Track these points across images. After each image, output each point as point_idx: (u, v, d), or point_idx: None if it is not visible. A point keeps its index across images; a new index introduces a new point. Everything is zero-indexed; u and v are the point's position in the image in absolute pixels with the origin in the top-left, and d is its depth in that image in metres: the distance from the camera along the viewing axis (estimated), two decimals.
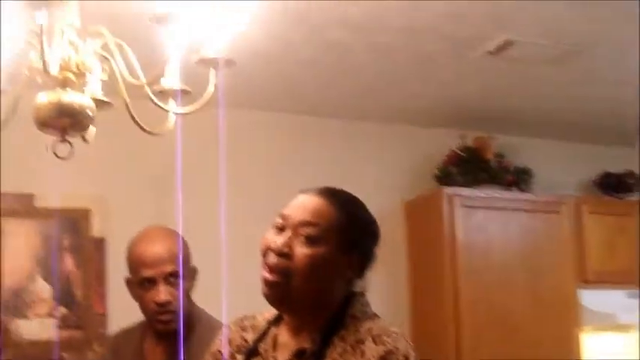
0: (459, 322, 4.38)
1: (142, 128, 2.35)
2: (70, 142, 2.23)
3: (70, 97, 2.15)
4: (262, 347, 2.06)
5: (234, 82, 4.12)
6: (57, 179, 4.09)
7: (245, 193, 4.36)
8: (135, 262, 2.80)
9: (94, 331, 3.99)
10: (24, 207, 4.05)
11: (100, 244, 4.08)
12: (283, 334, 2.04)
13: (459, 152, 4.69)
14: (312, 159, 4.64)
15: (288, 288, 1.93)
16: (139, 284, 2.77)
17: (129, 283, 2.87)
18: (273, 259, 1.93)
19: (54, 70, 2.06)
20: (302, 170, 4.49)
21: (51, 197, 4.09)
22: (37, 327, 3.98)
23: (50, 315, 4.00)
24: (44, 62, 1.97)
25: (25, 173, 4.01)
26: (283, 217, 1.98)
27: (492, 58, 3.92)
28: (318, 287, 1.97)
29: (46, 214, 4.07)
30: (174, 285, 2.74)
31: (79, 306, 4.05)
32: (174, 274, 2.73)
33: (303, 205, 1.99)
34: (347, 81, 4.21)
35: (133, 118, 2.31)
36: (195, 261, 2.91)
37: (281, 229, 1.97)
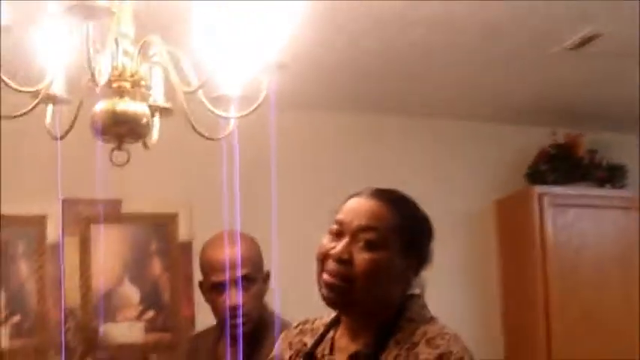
0: (550, 320, 4.32)
1: (201, 135, 2.38)
2: (127, 150, 2.28)
3: (125, 106, 2.19)
4: (319, 351, 2.06)
5: (316, 83, 4.15)
6: (144, 185, 4.18)
7: (331, 194, 4.36)
8: (206, 267, 2.84)
9: (181, 333, 4.04)
10: (112, 212, 4.13)
11: (186, 247, 4.14)
12: (341, 338, 2.04)
13: (550, 150, 4.60)
14: (401, 159, 4.62)
15: (349, 292, 1.92)
16: (211, 288, 2.80)
17: (202, 286, 2.92)
18: (333, 265, 1.93)
19: (103, 79, 2.09)
20: (392, 171, 4.47)
21: (138, 202, 4.17)
22: (125, 330, 4.06)
23: (138, 318, 4.08)
24: (92, 72, 2.00)
25: (113, 179, 4.08)
26: (339, 222, 1.97)
27: (581, 53, 3.83)
28: (380, 291, 1.95)
29: (133, 219, 4.15)
30: (245, 289, 2.76)
31: (166, 309, 4.11)
32: (244, 278, 2.75)
33: (359, 209, 1.97)
34: (433, 79, 4.17)
35: (192, 125, 2.33)
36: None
37: (338, 234, 1.96)
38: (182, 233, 4.19)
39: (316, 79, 4.08)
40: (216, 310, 2.83)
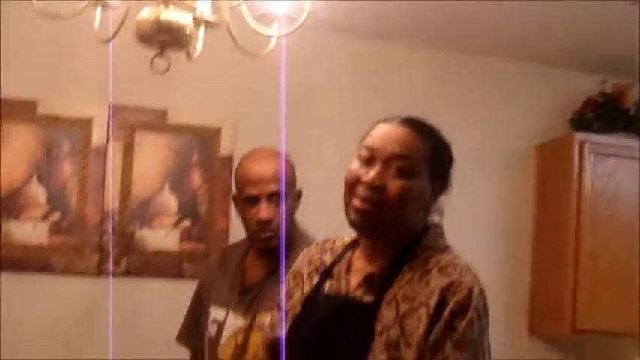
0: (578, 268, 4.34)
1: (243, 51, 2.43)
2: (168, 58, 2.34)
3: (169, 15, 2.25)
4: (337, 270, 2.14)
5: (365, 11, 4.16)
6: (190, 97, 4.26)
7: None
8: (241, 180, 2.94)
9: (215, 245, 4.13)
10: (158, 121, 4.21)
11: (227, 162, 4.21)
12: (358, 259, 2.12)
13: (597, 98, 4.59)
14: (446, 94, 4.63)
15: (378, 218, 2.00)
16: (244, 201, 2.90)
17: (235, 199, 3.03)
18: (365, 191, 1.99)
19: None
20: (435, 105, 4.48)
21: (184, 114, 4.25)
22: (161, 237, 4.16)
23: (175, 227, 4.18)
24: None
25: (160, 89, 4.17)
26: (371, 149, 2.02)
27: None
28: (407, 218, 2.02)
29: (177, 130, 4.23)
30: (277, 204, 2.85)
31: (202, 220, 4.21)
32: (276, 194, 2.85)
33: (391, 137, 2.02)
34: (483, 16, 4.15)
35: (234, 40, 2.39)
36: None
37: (368, 160, 2.01)
38: (224, 148, 4.25)
39: (366, 7, 4.09)
40: (247, 224, 2.93)
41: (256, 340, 2.77)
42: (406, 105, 4.16)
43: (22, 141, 4.08)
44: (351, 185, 2.02)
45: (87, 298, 4.09)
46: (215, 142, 4.27)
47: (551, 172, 4.57)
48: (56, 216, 4.09)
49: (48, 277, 4.07)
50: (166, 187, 4.20)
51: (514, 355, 4.52)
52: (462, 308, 1.90)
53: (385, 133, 2.03)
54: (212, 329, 2.97)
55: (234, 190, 3.07)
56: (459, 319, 1.89)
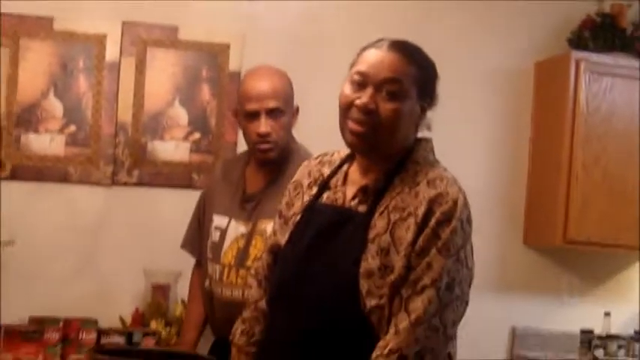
0: (572, 182, 4.47)
1: None
2: None
3: None
4: (334, 181, 2.33)
5: None
6: (199, 14, 4.39)
7: None
8: (243, 96, 3.15)
9: (224, 156, 4.32)
10: (169, 38, 4.36)
11: (235, 77, 4.36)
12: (354, 172, 2.31)
13: (595, 17, 4.69)
14: (445, 17, 4.68)
15: (373, 139, 2.18)
16: (245, 116, 3.11)
17: (236, 114, 3.22)
18: (358, 114, 2.17)
19: None
20: (434, 29, 4.59)
21: (193, 31, 4.39)
22: (172, 148, 4.34)
23: (185, 139, 4.36)
24: None
25: (171, 6, 4.32)
26: (362, 73, 2.20)
27: None
28: (398, 137, 2.20)
29: (188, 46, 4.38)
30: (276, 119, 3.08)
31: (211, 133, 4.38)
32: (276, 110, 3.09)
33: (382, 62, 2.19)
34: None
35: None
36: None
37: (360, 85, 2.19)
38: (232, 63, 4.40)
39: None
40: (248, 136, 3.15)
41: (257, 244, 3.01)
42: (404, 26, 4.31)
43: (39, 57, 4.24)
44: (345, 109, 2.20)
45: (101, 207, 4.30)
46: (224, 58, 4.41)
47: (549, 90, 4.69)
48: (72, 128, 4.27)
49: (64, 187, 4.27)
50: (177, 101, 4.36)
51: (508, 265, 4.70)
52: (447, 218, 2.09)
53: (375, 58, 2.19)
54: (215, 236, 3.19)
55: (237, 105, 3.27)
56: (443, 227, 2.08)
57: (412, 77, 2.19)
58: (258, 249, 3.04)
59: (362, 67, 2.19)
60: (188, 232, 3.49)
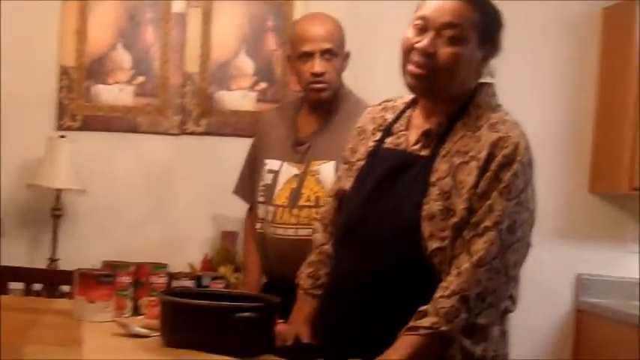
0: (638, 131, 4.42)
1: None
2: None
3: None
4: (396, 127, 2.37)
5: None
6: None
7: None
8: (297, 38, 3.28)
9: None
10: None
11: None
12: (416, 117, 2.35)
13: None
14: None
15: (432, 82, 2.23)
16: (299, 57, 3.22)
17: (289, 59, 3.34)
18: (419, 57, 2.21)
19: None
20: None
21: None
22: (238, 98, 4.40)
23: (251, 88, 4.42)
24: None
25: None
26: (424, 18, 2.24)
27: None
28: (457, 81, 2.24)
29: None
30: (329, 61, 3.20)
31: (277, 82, 4.43)
32: (329, 51, 3.19)
33: (443, 6, 2.22)
34: None
35: None
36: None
37: (422, 29, 2.23)
38: (297, 13, 4.43)
39: None
40: (301, 77, 3.24)
41: (309, 185, 3.12)
42: None
43: (107, 9, 4.32)
44: (406, 52, 2.24)
45: (170, 156, 4.39)
46: (288, 8, 4.45)
47: (616, 36, 4.62)
48: (140, 79, 4.36)
49: (134, 137, 4.37)
50: (243, 51, 4.41)
51: (573, 213, 4.68)
52: (508, 161, 2.12)
53: (437, 3, 2.22)
54: (268, 178, 3.28)
55: (289, 50, 3.36)
56: (504, 170, 2.12)
57: (473, 23, 2.21)
58: (310, 189, 3.14)
59: (424, 11, 2.22)
60: (240, 179, 3.57)
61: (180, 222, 4.33)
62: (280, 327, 2.42)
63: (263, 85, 4.42)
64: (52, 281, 3.69)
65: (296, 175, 3.19)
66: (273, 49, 4.43)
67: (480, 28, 2.22)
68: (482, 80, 2.31)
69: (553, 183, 4.58)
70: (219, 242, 4.18)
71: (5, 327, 2.38)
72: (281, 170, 3.25)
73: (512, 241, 2.11)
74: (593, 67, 4.71)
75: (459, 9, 2.20)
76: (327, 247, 2.46)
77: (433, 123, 2.27)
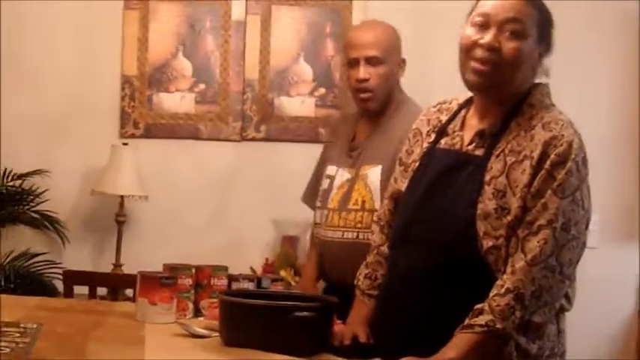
0: None
1: None
2: None
3: None
4: (451, 127, 2.38)
5: None
6: None
7: None
8: (346, 45, 3.32)
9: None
10: None
11: None
12: (471, 117, 2.36)
13: None
14: None
15: (495, 77, 2.24)
16: (347, 63, 3.25)
17: (342, 64, 3.35)
18: (483, 53, 2.22)
19: None
20: None
21: None
22: (298, 104, 4.45)
23: (311, 94, 4.46)
24: None
25: None
26: (484, 14, 2.25)
27: None
28: (521, 77, 2.25)
29: (311, 2, 4.46)
30: (375, 67, 3.17)
31: (336, 88, 4.46)
32: (374, 58, 3.17)
33: (504, 3, 2.24)
34: None
35: None
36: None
37: (482, 26, 2.24)
38: (355, 18, 4.46)
39: None
40: (349, 84, 3.26)
41: (359, 189, 3.13)
42: None
43: (168, 18, 4.40)
44: (468, 50, 2.24)
45: (231, 161, 4.44)
46: (347, 13, 4.48)
47: None
48: (201, 87, 4.42)
49: (195, 143, 4.43)
50: (302, 57, 4.46)
51: (632, 212, 4.62)
52: (562, 160, 2.12)
53: (498, 1, 2.23)
54: (325, 183, 3.30)
55: (343, 56, 3.41)
56: (558, 169, 2.12)
57: (533, 18, 2.23)
58: (358, 193, 3.15)
59: (484, 8, 2.24)
60: (307, 186, 3.59)
61: (241, 227, 4.38)
62: (338, 327, 2.44)
63: (322, 90, 4.46)
64: (115, 285, 3.75)
65: (348, 180, 3.20)
66: (331, 55, 4.46)
67: (538, 25, 2.24)
68: (538, 79, 2.32)
69: (613, 183, 4.55)
70: (280, 246, 4.21)
71: (70, 328, 2.43)
72: (336, 175, 3.27)
73: (567, 239, 2.11)
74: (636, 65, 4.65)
75: (519, 5, 2.22)
76: (384, 248, 2.48)
77: (487, 123, 2.28)
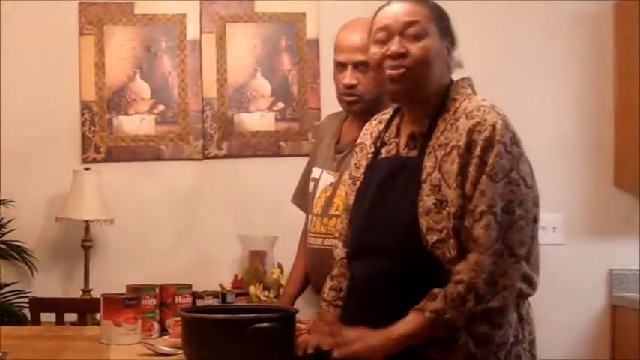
0: None
1: None
2: None
3: None
4: (387, 136, 2.45)
5: None
6: None
7: None
8: (335, 46, 3.21)
9: (308, 123, 4.44)
10: (245, 12, 4.48)
11: (313, 44, 4.47)
12: (405, 123, 2.43)
13: None
14: None
15: (412, 80, 2.30)
16: (335, 66, 3.19)
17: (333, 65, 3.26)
18: (393, 62, 2.29)
19: None
20: None
21: (269, 3, 4.50)
22: (257, 119, 4.47)
23: (270, 109, 4.48)
24: None
25: None
26: (383, 28, 2.34)
27: None
28: (436, 74, 2.31)
29: (265, 18, 4.49)
30: (363, 72, 3.06)
31: (295, 101, 4.49)
32: (363, 63, 3.00)
33: (396, 12, 2.33)
34: None
35: None
36: None
37: (385, 40, 2.32)
38: (309, 31, 4.50)
39: None
40: (337, 87, 3.20)
41: (341, 194, 3.08)
42: None
43: (123, 41, 4.42)
44: (379, 65, 2.32)
45: (194, 181, 4.46)
46: (301, 27, 4.51)
47: (629, 30, 4.62)
48: (160, 108, 4.44)
49: (158, 165, 4.45)
50: (259, 72, 4.48)
51: (601, 208, 4.67)
52: (489, 143, 2.18)
53: (389, 12, 2.34)
54: (310, 187, 3.28)
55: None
56: (487, 153, 2.17)
57: (428, 16, 2.31)
58: (341, 199, 3.09)
59: (381, 22, 2.33)
60: (297, 187, 3.54)
61: (208, 244, 4.40)
62: (302, 337, 2.46)
63: (281, 104, 4.49)
64: (82, 310, 3.76)
65: (331, 184, 3.17)
66: (288, 69, 4.49)
67: (435, 22, 2.32)
68: (454, 73, 2.39)
69: (579, 180, 4.61)
70: (248, 262, 4.23)
71: (36, 354, 2.45)
72: (320, 178, 3.24)
73: (513, 221, 2.15)
74: (609, 62, 4.71)
75: (411, 8, 2.30)
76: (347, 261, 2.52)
77: (416, 125, 2.35)
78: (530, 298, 2.33)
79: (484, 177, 2.16)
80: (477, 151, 2.17)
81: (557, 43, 4.65)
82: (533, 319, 2.37)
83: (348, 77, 3.08)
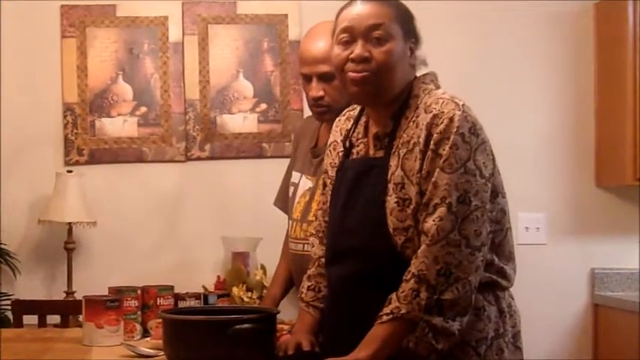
0: (638, 122, 4.42)
1: None
2: None
3: None
4: (354, 136, 2.46)
5: None
6: None
7: None
8: (299, 58, 3.21)
9: (291, 124, 4.44)
10: (227, 13, 4.49)
11: (295, 45, 4.45)
12: (371, 122, 2.43)
13: None
14: None
15: (374, 84, 2.29)
16: (302, 78, 3.15)
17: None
18: (356, 66, 2.28)
19: None
20: None
21: (251, 4, 4.51)
22: (240, 121, 4.47)
23: (252, 110, 4.49)
24: None
25: None
26: (347, 29, 2.31)
27: None
28: (399, 78, 2.31)
29: (247, 19, 4.50)
30: (329, 83, 3.02)
31: (277, 102, 4.50)
32: (327, 74, 2.98)
33: (360, 13, 2.31)
34: None
35: None
36: None
37: (349, 41, 2.30)
38: (292, 32, 4.51)
39: None
40: (306, 98, 3.19)
41: (319, 199, 3.06)
42: None
43: (106, 44, 4.42)
44: (342, 67, 2.31)
45: (177, 182, 4.46)
46: (283, 28, 4.52)
47: (610, 29, 4.64)
48: (143, 110, 4.44)
49: (140, 167, 4.45)
50: (241, 74, 4.49)
51: (583, 208, 4.68)
52: (445, 136, 2.18)
53: (353, 13, 2.31)
54: (290, 191, 3.28)
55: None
56: (442, 145, 2.18)
57: (393, 18, 2.30)
58: (318, 203, 3.10)
59: (344, 24, 2.31)
60: (279, 190, 3.53)
61: (191, 246, 4.40)
62: (283, 338, 2.47)
63: (263, 106, 4.49)
64: (64, 312, 3.75)
65: (309, 189, 3.15)
66: (270, 70, 4.50)
67: (400, 22, 2.31)
68: (418, 71, 2.40)
69: (560, 180, 4.62)
70: (231, 263, 4.23)
71: (17, 356, 2.45)
72: (299, 183, 3.22)
73: (469, 211, 2.15)
74: (590, 63, 4.73)
75: (375, 10, 2.28)
76: (324, 260, 2.51)
77: (381, 125, 2.35)
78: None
79: (437, 169, 2.16)
80: (432, 144, 2.18)
81: (538, 44, 4.67)
82: (517, 311, 2.37)
83: (314, 89, 3.04)
